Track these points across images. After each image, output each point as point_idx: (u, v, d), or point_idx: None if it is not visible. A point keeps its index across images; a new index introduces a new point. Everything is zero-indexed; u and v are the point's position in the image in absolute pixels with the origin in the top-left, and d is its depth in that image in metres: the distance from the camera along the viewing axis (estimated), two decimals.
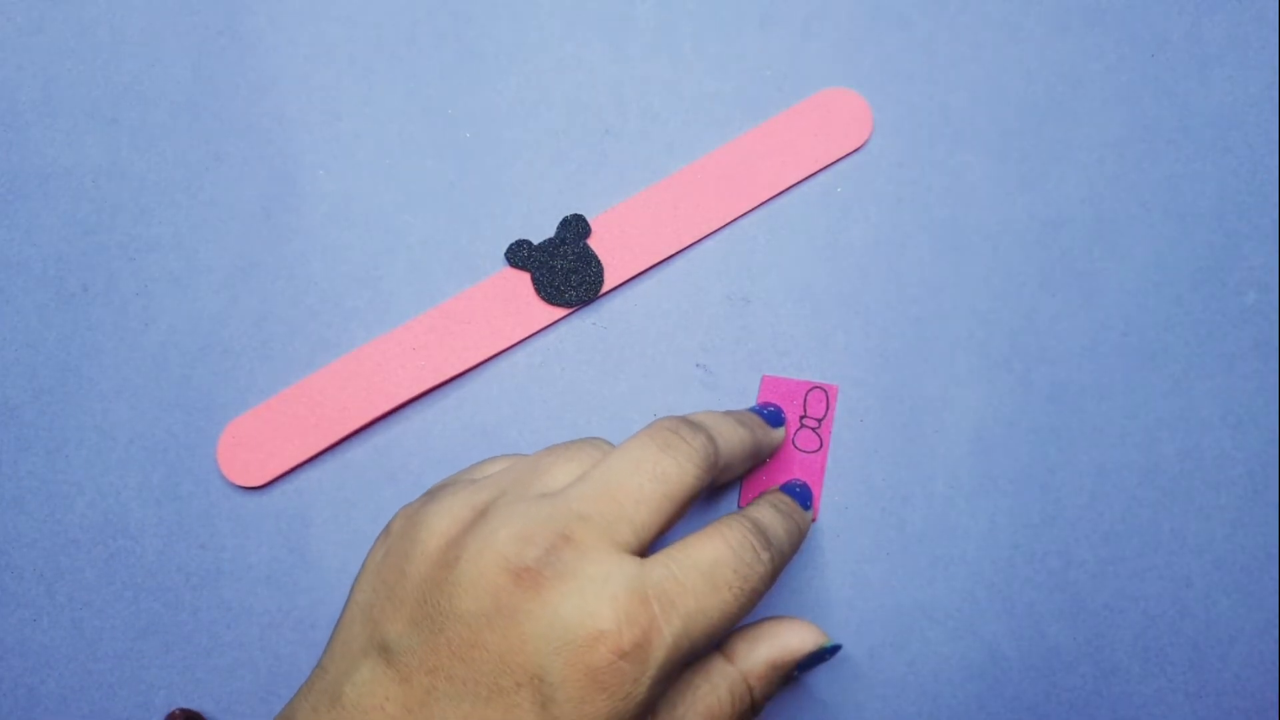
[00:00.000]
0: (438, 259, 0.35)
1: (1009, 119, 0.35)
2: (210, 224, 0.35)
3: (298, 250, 0.35)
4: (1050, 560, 0.34)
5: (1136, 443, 0.34)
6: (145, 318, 0.35)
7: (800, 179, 0.35)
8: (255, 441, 0.34)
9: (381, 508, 0.34)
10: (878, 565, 0.34)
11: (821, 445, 0.34)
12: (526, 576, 0.23)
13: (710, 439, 0.27)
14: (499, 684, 0.23)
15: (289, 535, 0.34)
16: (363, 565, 0.26)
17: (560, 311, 0.34)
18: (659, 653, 0.23)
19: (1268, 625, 0.33)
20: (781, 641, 0.29)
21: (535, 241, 0.35)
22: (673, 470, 0.25)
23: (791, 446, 0.34)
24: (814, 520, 0.33)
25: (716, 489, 0.34)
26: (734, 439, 0.28)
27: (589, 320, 0.35)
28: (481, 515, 0.25)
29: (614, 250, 0.35)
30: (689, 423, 0.27)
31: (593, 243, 0.34)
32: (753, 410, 0.32)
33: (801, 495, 0.31)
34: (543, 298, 0.34)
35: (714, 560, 0.25)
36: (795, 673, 0.29)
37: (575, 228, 0.34)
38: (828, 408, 0.34)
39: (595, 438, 0.28)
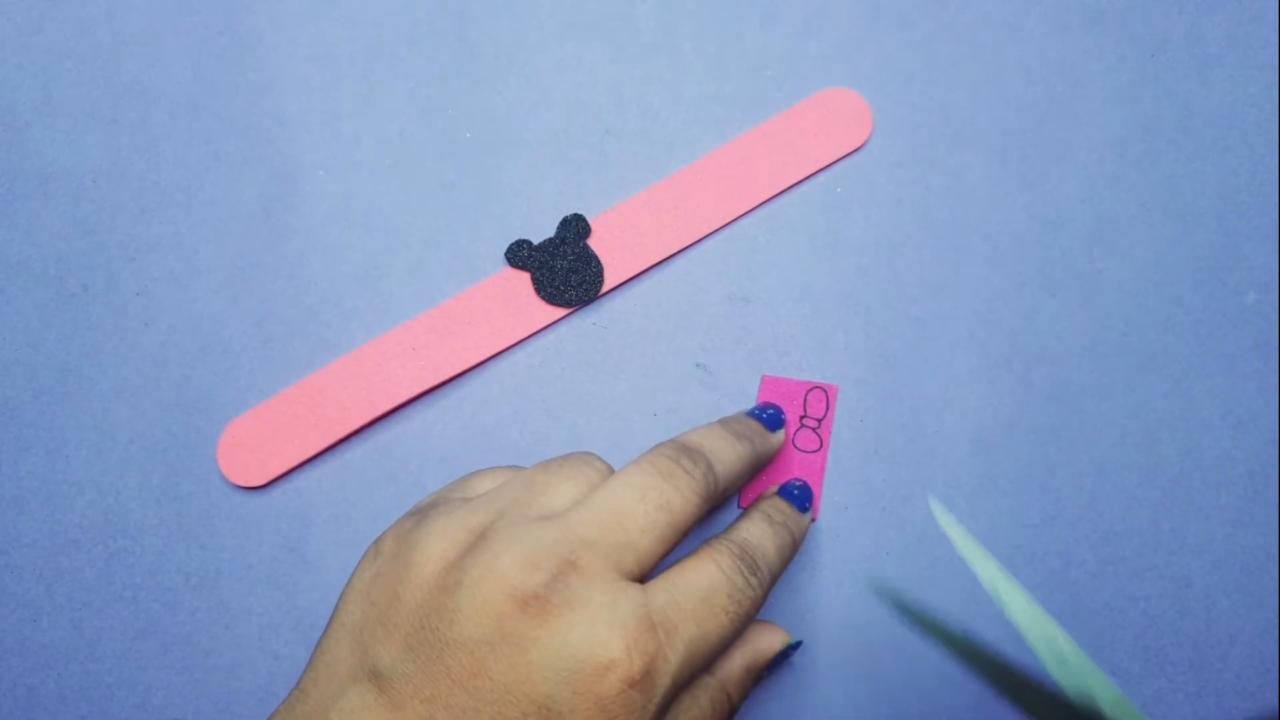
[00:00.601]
0: (438, 259, 0.35)
1: (1009, 119, 0.35)
2: (210, 224, 0.35)
3: (298, 250, 0.35)
4: (1050, 560, 0.34)
5: (1136, 443, 0.34)
6: (145, 318, 0.35)
7: (800, 179, 0.35)
8: (255, 441, 0.34)
9: (381, 508, 0.34)
10: (878, 565, 0.34)
11: (821, 445, 0.34)
12: (533, 604, 0.23)
13: (710, 468, 0.27)
14: (503, 713, 0.22)
15: (289, 535, 0.34)
16: (348, 584, 0.25)
17: (560, 311, 0.34)
18: (664, 679, 0.23)
19: (1268, 625, 0.33)
20: (753, 647, 0.29)
21: (535, 241, 0.35)
22: (676, 500, 0.25)
23: (791, 446, 0.34)
24: (814, 520, 0.33)
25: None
26: (733, 460, 0.28)
27: (589, 320, 0.35)
28: (481, 538, 0.24)
29: (614, 250, 0.35)
30: (689, 451, 0.27)
31: (593, 243, 0.35)
32: (752, 413, 0.32)
33: (801, 496, 0.31)
34: (543, 298, 0.34)
35: (709, 586, 0.25)
36: (765, 673, 0.30)
37: (575, 228, 0.34)
38: (828, 408, 0.34)
39: (588, 454, 0.28)
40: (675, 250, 0.35)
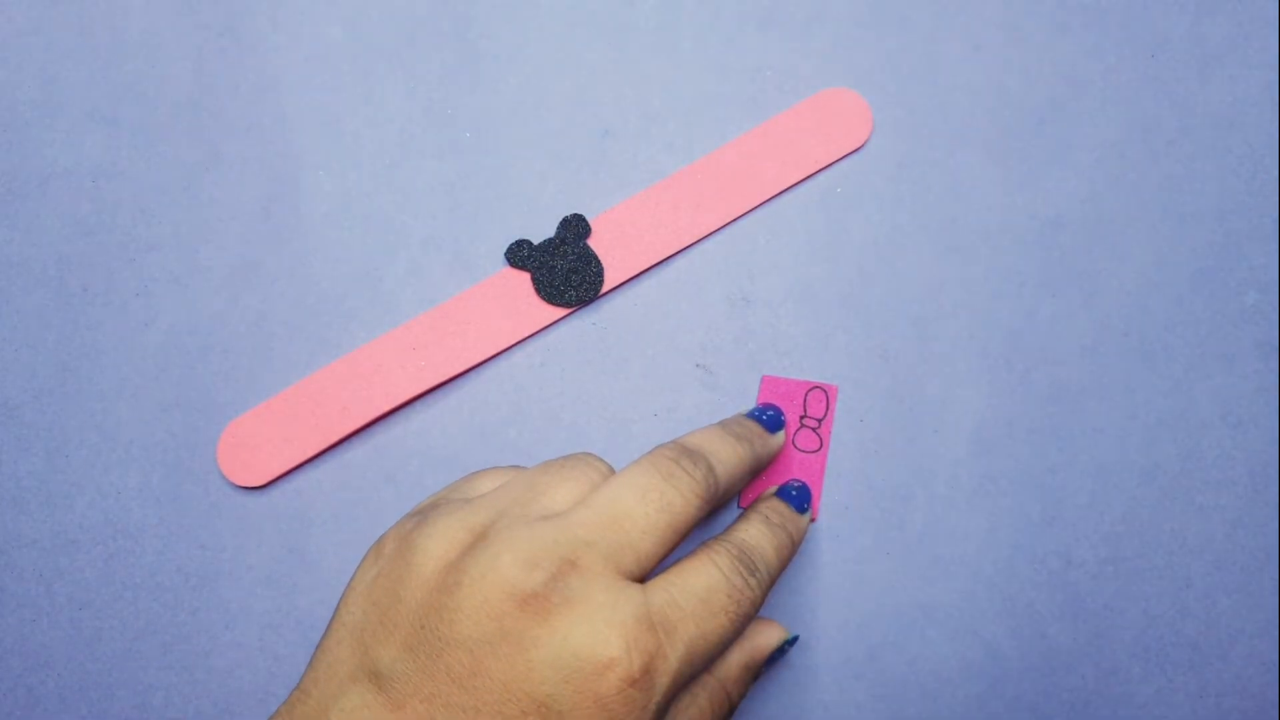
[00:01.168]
0: (438, 259, 0.35)
1: (1009, 119, 0.35)
2: (210, 224, 0.35)
3: (298, 250, 0.35)
4: (1050, 560, 0.34)
5: (1136, 443, 0.34)
6: (145, 318, 0.35)
7: (800, 179, 0.35)
8: (255, 441, 0.34)
9: (382, 508, 0.34)
10: (878, 565, 0.34)
11: (821, 445, 0.34)
12: (533, 603, 0.23)
13: (711, 469, 0.27)
14: (503, 712, 0.22)
15: (289, 535, 0.34)
16: (349, 585, 0.26)
17: (560, 311, 0.34)
18: (664, 679, 0.23)
19: (1268, 625, 0.33)
20: (750, 644, 0.29)
21: (535, 242, 0.35)
22: (677, 501, 0.25)
23: (791, 446, 0.34)
24: (813, 520, 0.33)
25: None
26: (733, 462, 0.28)
27: (589, 320, 0.35)
28: (481, 538, 0.24)
29: (614, 250, 0.35)
30: (690, 452, 0.27)
31: (593, 243, 0.35)
32: (752, 414, 0.32)
33: (799, 497, 0.31)
34: (543, 298, 0.34)
35: (708, 586, 0.25)
36: (763, 669, 0.30)
37: (575, 227, 0.34)
38: (827, 408, 0.34)
39: (588, 454, 0.28)
40: (675, 250, 0.35)
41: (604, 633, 0.23)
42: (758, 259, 0.35)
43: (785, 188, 0.35)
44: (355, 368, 0.34)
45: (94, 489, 0.34)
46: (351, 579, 0.26)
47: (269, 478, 0.34)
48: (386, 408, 0.34)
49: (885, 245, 0.35)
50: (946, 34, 0.36)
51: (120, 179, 0.35)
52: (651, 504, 0.25)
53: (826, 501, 0.34)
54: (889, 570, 0.34)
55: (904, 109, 0.35)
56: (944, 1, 0.36)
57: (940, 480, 0.34)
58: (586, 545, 0.24)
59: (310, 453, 0.34)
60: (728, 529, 0.29)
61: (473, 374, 0.35)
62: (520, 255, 0.34)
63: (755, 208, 0.35)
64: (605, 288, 0.34)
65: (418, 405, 0.34)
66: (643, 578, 0.25)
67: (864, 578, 0.34)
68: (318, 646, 0.25)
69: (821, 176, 0.35)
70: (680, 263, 0.35)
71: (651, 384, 0.34)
